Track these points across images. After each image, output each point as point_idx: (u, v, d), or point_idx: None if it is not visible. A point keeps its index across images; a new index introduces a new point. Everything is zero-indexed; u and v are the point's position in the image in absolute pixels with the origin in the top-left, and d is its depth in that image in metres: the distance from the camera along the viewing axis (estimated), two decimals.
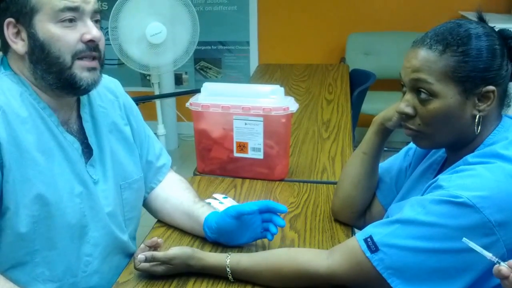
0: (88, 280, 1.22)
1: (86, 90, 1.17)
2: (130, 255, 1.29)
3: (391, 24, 3.99)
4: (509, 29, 1.07)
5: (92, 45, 1.13)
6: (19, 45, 1.12)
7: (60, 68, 1.12)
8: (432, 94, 1.02)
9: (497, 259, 0.79)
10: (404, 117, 1.08)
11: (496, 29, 1.06)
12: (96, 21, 1.16)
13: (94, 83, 1.16)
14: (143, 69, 3.10)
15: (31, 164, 1.11)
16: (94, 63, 1.15)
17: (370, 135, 1.31)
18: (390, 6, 3.99)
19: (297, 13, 4.12)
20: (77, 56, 1.12)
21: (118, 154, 1.30)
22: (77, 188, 1.18)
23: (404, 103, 1.07)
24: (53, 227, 1.14)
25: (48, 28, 1.10)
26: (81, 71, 1.13)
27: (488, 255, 0.81)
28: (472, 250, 0.90)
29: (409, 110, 1.07)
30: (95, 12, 1.15)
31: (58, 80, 1.13)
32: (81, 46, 1.12)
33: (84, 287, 1.22)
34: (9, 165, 1.08)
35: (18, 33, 1.12)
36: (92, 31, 1.12)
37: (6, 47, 1.15)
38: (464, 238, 0.83)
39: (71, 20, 1.11)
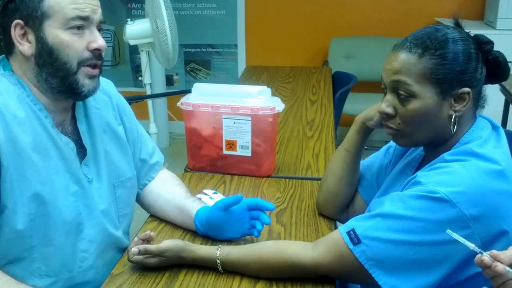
0: (84, 275, 1.21)
1: (86, 96, 1.16)
2: (124, 250, 1.28)
3: (371, 30, 4.00)
4: (482, 34, 1.08)
5: (97, 53, 1.13)
6: (25, 47, 1.10)
7: (66, 73, 1.11)
8: (411, 95, 1.03)
9: (479, 250, 0.79)
10: (385, 116, 1.09)
11: (472, 34, 1.07)
12: (99, 30, 1.15)
13: (94, 90, 1.16)
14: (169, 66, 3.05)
15: (28, 164, 1.09)
16: (96, 71, 1.15)
17: (352, 133, 1.31)
18: (370, 12, 4.01)
19: (282, 18, 4.12)
20: (83, 63, 1.12)
21: (111, 153, 1.28)
22: (72, 187, 1.17)
23: (385, 103, 1.08)
24: (50, 225, 1.13)
25: (57, 34, 1.09)
26: (84, 77, 1.13)
27: (471, 245, 0.81)
28: (449, 242, 0.91)
29: (389, 110, 1.07)
30: (101, 22, 1.15)
31: (62, 84, 1.12)
32: (87, 54, 1.12)
33: (79, 281, 1.20)
34: (6, 164, 1.06)
35: (24, 35, 1.10)
36: (98, 40, 1.13)
37: (10, 48, 1.12)
38: (448, 230, 0.83)
39: (79, 28, 1.10)
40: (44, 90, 1.13)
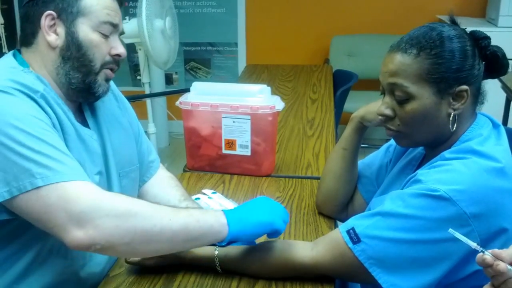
0: (91, 267, 1.19)
1: (98, 97, 1.20)
2: None
3: (373, 27, 4.00)
4: (479, 30, 1.08)
5: (117, 59, 1.18)
6: (52, 38, 1.12)
7: (89, 70, 1.14)
8: (409, 96, 1.03)
9: (481, 248, 0.79)
10: (384, 118, 1.09)
11: (468, 31, 1.07)
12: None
13: (106, 92, 1.20)
14: (162, 66, 3.05)
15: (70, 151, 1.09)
16: (113, 74, 1.20)
17: (349, 132, 1.32)
18: (372, 10, 4.01)
19: (283, 16, 4.12)
20: (104, 65, 1.16)
21: (116, 143, 1.29)
22: (95, 178, 1.17)
23: (384, 105, 1.08)
24: None
25: (88, 32, 1.13)
26: (102, 78, 1.17)
27: (473, 244, 0.81)
28: (449, 240, 0.91)
29: (388, 112, 1.07)
30: (122, 32, 1.21)
31: (82, 81, 1.14)
32: (109, 58, 1.17)
33: (88, 271, 1.19)
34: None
35: (52, 26, 1.12)
36: (120, 48, 1.18)
37: (31, 38, 1.14)
38: (450, 229, 0.83)
39: (106, 33, 1.15)
40: (61, 84, 1.15)
